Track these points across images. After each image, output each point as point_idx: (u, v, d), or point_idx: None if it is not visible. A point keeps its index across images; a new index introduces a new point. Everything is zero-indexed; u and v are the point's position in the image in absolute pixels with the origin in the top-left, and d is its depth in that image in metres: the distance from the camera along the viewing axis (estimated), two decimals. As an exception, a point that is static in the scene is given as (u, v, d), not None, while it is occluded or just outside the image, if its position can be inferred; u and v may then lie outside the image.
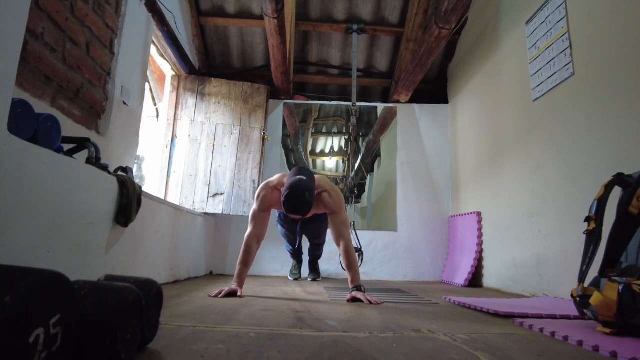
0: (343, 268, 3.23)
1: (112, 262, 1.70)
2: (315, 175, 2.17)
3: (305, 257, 3.32)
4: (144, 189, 1.98)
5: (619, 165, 1.72)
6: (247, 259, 2.06)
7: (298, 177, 1.96)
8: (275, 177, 2.23)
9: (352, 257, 2.05)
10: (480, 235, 3.19)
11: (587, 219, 1.38)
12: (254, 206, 2.16)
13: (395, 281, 3.55)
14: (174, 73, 3.52)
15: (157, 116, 3.49)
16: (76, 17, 1.74)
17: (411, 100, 4.04)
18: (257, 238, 2.10)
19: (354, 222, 3.60)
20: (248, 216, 3.41)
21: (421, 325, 1.32)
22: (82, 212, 1.42)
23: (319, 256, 3.24)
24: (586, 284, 1.33)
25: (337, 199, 2.13)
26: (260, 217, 2.14)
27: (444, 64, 4.13)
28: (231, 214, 3.43)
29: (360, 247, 3.25)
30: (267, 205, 2.15)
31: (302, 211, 1.94)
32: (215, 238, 3.67)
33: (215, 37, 3.90)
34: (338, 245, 2.09)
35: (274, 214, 2.90)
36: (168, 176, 3.41)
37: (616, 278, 1.21)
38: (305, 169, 2.09)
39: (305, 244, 3.20)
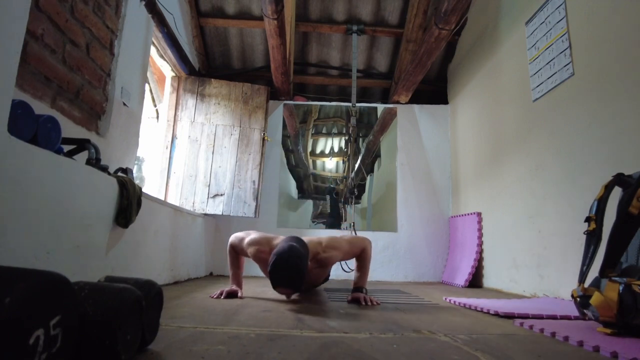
0: (343, 269, 3.24)
1: (112, 263, 1.70)
2: (304, 239, 1.93)
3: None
4: (144, 190, 1.98)
5: (619, 165, 1.72)
6: (237, 262, 2.05)
7: (289, 243, 1.69)
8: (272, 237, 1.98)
9: (366, 261, 2.03)
10: (480, 236, 3.19)
11: (587, 219, 1.38)
12: (245, 239, 1.96)
13: (395, 282, 3.55)
14: (173, 74, 3.52)
15: (157, 117, 3.49)
16: (76, 18, 1.74)
17: (411, 101, 4.04)
18: (238, 252, 2.05)
19: (353, 222, 3.60)
20: (248, 217, 3.44)
21: (421, 326, 1.32)
22: (82, 214, 1.42)
23: None
24: (586, 284, 1.33)
25: (334, 246, 1.94)
26: (244, 251, 1.97)
27: (444, 64, 4.13)
28: (231, 214, 3.43)
29: None
30: (252, 256, 1.93)
31: (292, 282, 1.63)
32: (216, 239, 3.67)
33: (215, 38, 3.90)
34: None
35: None
36: (168, 177, 3.41)
37: (616, 278, 1.21)
38: (298, 237, 1.84)
39: None
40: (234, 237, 2.05)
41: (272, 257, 1.64)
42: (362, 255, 2.03)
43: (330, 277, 3.55)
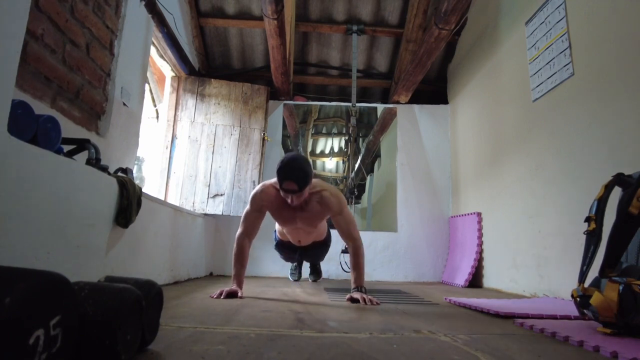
0: (343, 269, 3.24)
1: (112, 263, 1.70)
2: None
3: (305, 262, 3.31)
4: (144, 190, 1.98)
5: (619, 165, 1.72)
6: (242, 259, 2.05)
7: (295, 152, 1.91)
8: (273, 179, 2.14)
9: (359, 257, 2.04)
10: (480, 236, 3.19)
11: (587, 219, 1.38)
12: (247, 207, 2.10)
13: (395, 282, 3.55)
14: (173, 74, 3.52)
15: (157, 117, 3.50)
16: (76, 18, 1.74)
17: (411, 101, 4.04)
18: (248, 237, 2.08)
19: (354, 222, 3.59)
20: (248, 217, 3.43)
21: (421, 326, 1.32)
22: (82, 214, 1.42)
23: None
24: (586, 284, 1.33)
25: (338, 197, 2.07)
26: (253, 217, 2.08)
27: (444, 64, 4.13)
28: (231, 214, 3.43)
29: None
30: (261, 202, 2.06)
31: (298, 178, 1.80)
32: (216, 239, 3.67)
33: (215, 38, 3.90)
34: (348, 244, 2.09)
35: (269, 227, 2.83)
36: (168, 177, 3.41)
37: (616, 278, 1.21)
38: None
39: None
40: (239, 229, 2.09)
41: (281, 160, 1.84)
42: (354, 250, 2.05)
43: (330, 277, 3.56)
